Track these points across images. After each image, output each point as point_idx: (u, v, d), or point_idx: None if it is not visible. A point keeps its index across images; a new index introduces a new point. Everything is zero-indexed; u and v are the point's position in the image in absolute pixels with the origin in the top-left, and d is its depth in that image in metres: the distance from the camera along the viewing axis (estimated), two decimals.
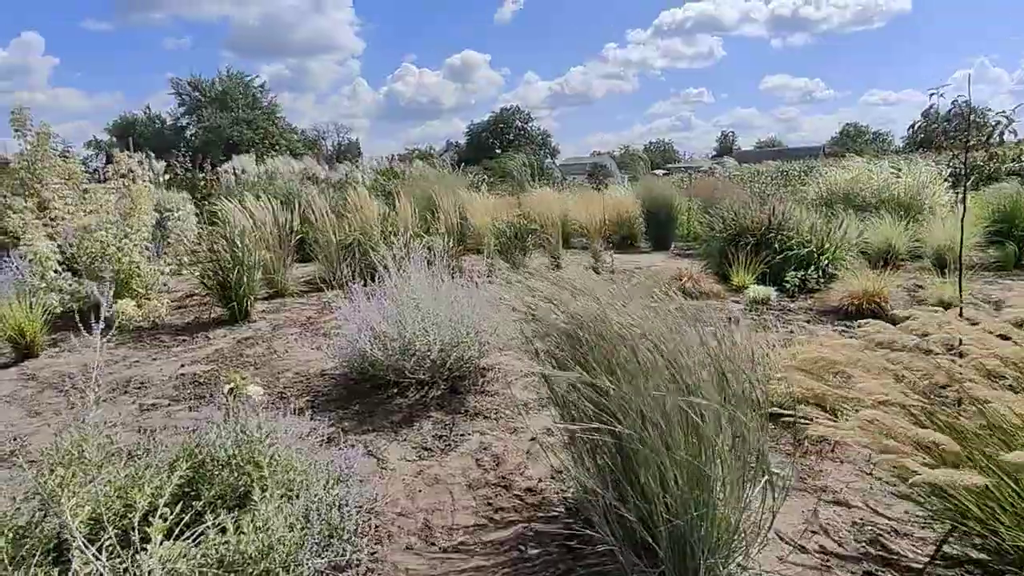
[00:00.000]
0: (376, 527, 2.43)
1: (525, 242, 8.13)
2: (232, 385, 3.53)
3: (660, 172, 29.48)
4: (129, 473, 2.34)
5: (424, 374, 3.63)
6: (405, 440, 3.20)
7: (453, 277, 4.36)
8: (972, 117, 2.64)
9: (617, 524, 1.86)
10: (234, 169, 16.05)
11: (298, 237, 7.82)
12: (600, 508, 1.90)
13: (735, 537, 1.85)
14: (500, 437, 3.18)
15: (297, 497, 2.23)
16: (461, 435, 3.24)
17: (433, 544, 2.33)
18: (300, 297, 7.23)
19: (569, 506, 2.49)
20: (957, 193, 9.31)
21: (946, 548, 2.13)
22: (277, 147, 36.71)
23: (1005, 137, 2.37)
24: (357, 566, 2.17)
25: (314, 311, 6.40)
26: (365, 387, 3.85)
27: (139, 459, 2.45)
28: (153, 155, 13.75)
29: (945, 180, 9.39)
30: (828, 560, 2.14)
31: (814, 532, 2.31)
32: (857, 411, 2.03)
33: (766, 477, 1.92)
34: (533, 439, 3.15)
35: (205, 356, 4.88)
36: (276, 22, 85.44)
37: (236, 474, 2.27)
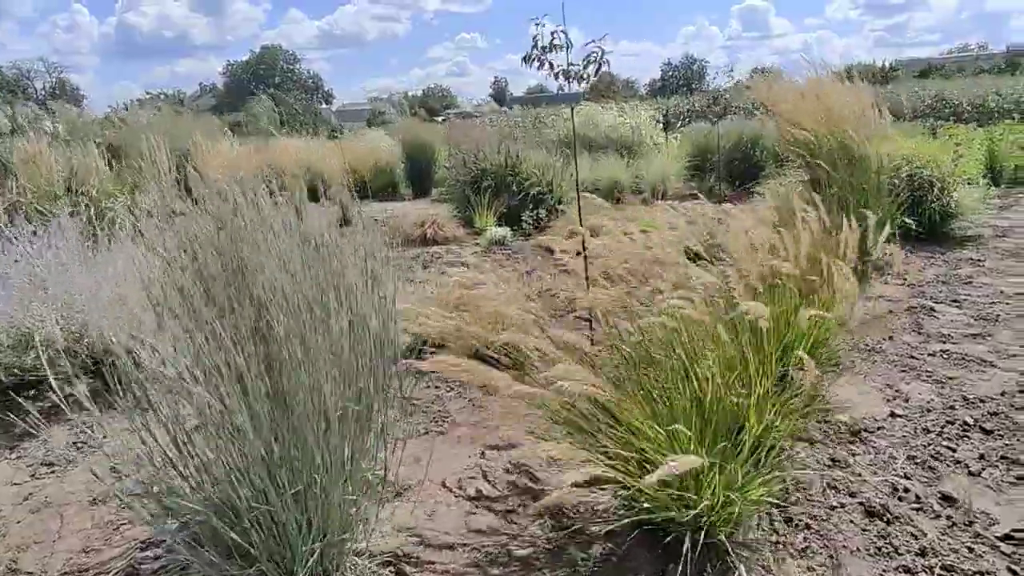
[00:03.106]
0: None
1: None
2: None
3: (440, 119, 29.44)
4: None
5: (67, 367, 2.93)
6: (21, 457, 2.56)
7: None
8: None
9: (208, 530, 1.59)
10: None
11: None
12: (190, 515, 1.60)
13: (353, 510, 1.71)
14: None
15: None
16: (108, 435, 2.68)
17: None
18: None
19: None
20: (668, 133, 10.62)
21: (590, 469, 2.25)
22: None
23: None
24: None
25: None
26: None
27: None
28: None
29: (657, 122, 10.57)
30: (478, 503, 2.14)
31: (473, 477, 2.30)
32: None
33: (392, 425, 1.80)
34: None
35: None
36: None
37: None
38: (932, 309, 3.81)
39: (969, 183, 6.36)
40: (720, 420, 1.90)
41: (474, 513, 2.09)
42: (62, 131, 10.49)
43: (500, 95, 63.22)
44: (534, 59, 2.17)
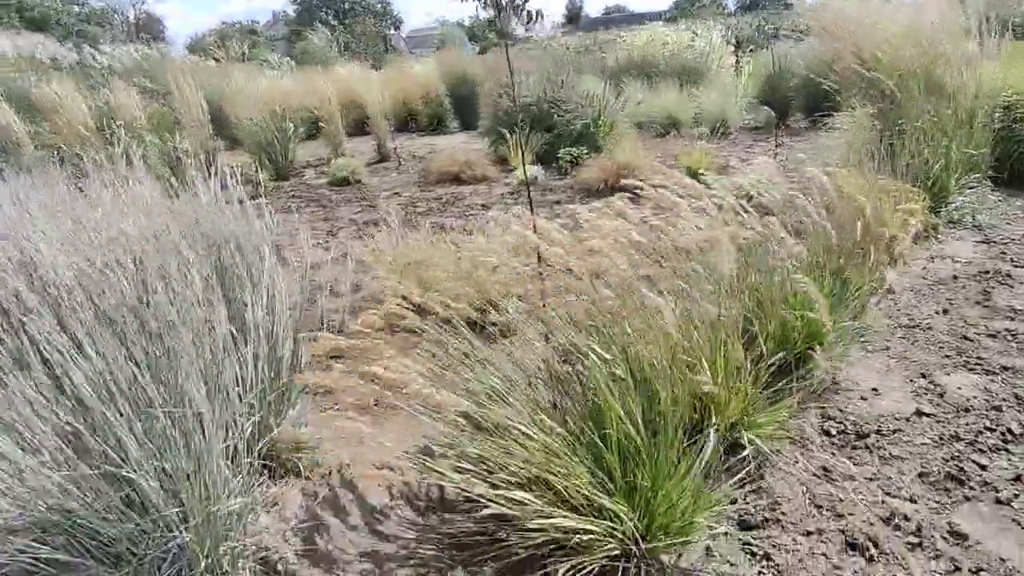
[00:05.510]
0: None
1: (286, 134, 7.15)
2: None
3: (512, 43, 28.55)
4: None
5: None
6: None
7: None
8: None
9: None
10: None
11: None
12: None
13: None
14: None
15: None
16: None
17: None
18: None
19: None
20: (739, 57, 9.53)
21: None
22: (41, 22, 29.68)
23: None
24: None
25: None
26: None
27: None
28: None
29: (728, 43, 9.51)
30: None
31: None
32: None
33: None
34: None
35: None
36: None
37: None
38: (1009, 275, 3.19)
39: None
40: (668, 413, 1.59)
41: None
42: (117, 67, 10.70)
43: (575, 15, 59.75)
44: None
